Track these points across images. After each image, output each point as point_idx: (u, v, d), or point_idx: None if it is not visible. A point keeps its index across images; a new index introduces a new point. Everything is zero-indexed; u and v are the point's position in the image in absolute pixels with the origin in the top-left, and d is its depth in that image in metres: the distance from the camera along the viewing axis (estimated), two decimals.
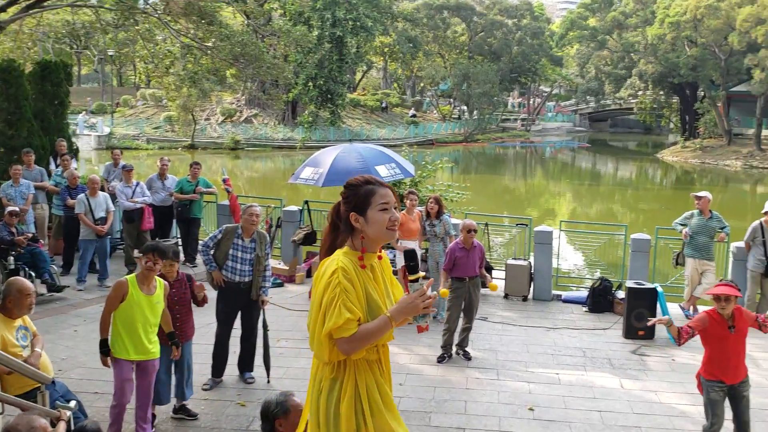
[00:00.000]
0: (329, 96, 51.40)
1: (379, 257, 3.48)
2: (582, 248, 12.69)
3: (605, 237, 12.65)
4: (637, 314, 8.98)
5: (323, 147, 13.53)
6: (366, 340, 3.21)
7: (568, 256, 12.66)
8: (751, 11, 45.79)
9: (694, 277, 10.12)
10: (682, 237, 10.23)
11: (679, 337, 5.48)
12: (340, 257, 3.32)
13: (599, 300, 10.25)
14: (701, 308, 10.46)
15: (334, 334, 3.18)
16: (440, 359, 8.03)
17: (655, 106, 62.41)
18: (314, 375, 3.43)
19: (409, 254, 3.38)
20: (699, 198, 10.18)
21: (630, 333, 9.02)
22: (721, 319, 5.45)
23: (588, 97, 76.21)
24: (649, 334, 9.02)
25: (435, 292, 3.35)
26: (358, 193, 3.38)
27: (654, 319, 5.88)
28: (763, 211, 9.88)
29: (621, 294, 10.14)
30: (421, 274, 3.34)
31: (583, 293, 10.94)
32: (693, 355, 8.48)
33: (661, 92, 60.34)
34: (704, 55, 50.68)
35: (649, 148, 66.76)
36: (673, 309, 10.06)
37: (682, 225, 10.26)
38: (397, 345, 8.43)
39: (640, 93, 62.28)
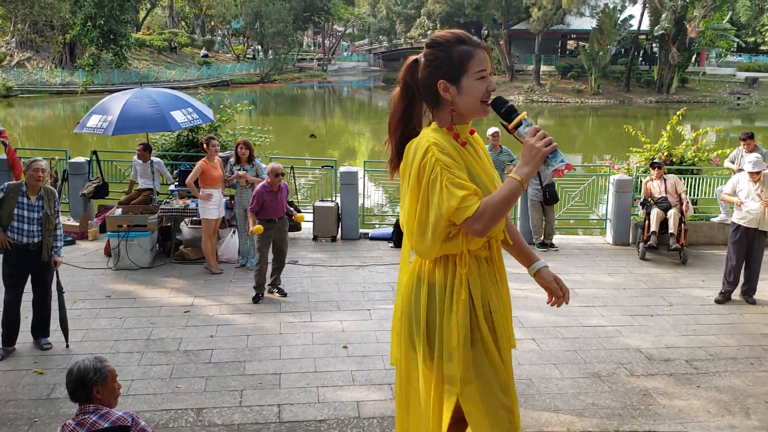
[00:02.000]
0: (112, 36, 48.06)
1: (472, 131, 2.93)
2: (385, 186, 13.02)
3: None
4: None
5: (108, 91, 12.67)
6: (499, 211, 2.62)
7: (372, 195, 12.95)
8: None
9: None
10: None
11: None
12: (428, 133, 2.76)
13: (401, 235, 10.60)
14: None
15: (454, 218, 2.64)
16: (255, 299, 8.04)
17: None
18: (410, 281, 2.92)
19: (495, 103, 2.79)
20: (495, 136, 10.75)
21: None
22: None
23: (381, 36, 77.57)
24: None
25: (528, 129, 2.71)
26: (450, 56, 2.76)
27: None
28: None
29: None
30: (523, 114, 2.75)
31: (388, 229, 11.28)
32: None
33: None
34: None
35: None
36: None
37: None
38: (205, 296, 8.23)
39: (429, 32, 64.35)
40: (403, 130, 2.94)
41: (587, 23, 52.58)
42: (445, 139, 2.77)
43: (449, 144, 2.76)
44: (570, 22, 55.61)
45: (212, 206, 9.18)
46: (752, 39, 70.07)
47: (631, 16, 51.82)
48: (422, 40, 68.22)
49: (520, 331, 7.19)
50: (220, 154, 9.83)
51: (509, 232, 3.14)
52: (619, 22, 51.24)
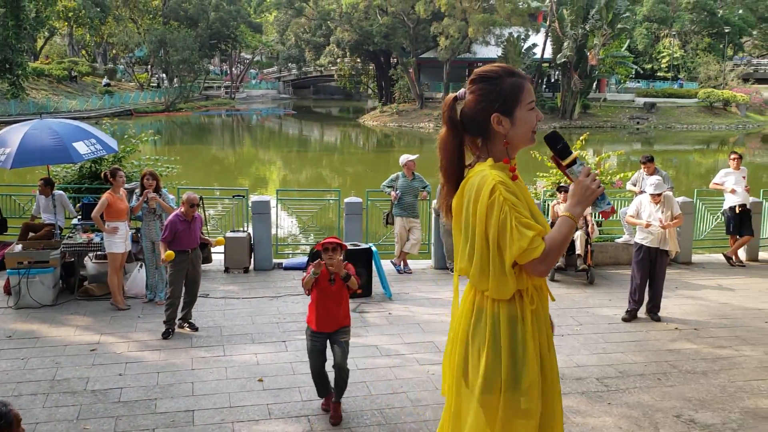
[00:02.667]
0: (7, 66, 46.31)
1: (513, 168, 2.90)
2: (298, 214, 12.99)
3: (320, 203, 13.09)
4: (356, 273, 9.43)
5: (5, 123, 12.18)
6: (558, 251, 2.71)
7: (285, 224, 12.90)
8: None
9: (403, 235, 10.93)
10: (390, 198, 10.97)
11: None
12: (489, 171, 2.74)
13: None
14: (411, 262, 11.34)
15: (521, 259, 2.68)
16: (165, 335, 7.82)
17: (353, 72, 65.56)
18: (467, 314, 2.93)
19: (551, 138, 2.81)
20: (410, 161, 10.92)
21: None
22: (327, 273, 5.75)
23: (290, 64, 77.72)
24: (366, 291, 9.55)
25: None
26: (502, 88, 2.79)
27: None
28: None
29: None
30: (576, 153, 2.80)
31: (303, 259, 11.24)
32: (407, 307, 9.17)
33: (359, 59, 63.50)
34: (395, 23, 54.10)
35: (350, 113, 70.09)
36: (386, 265, 10.75)
37: (389, 187, 10.98)
38: (113, 333, 7.98)
39: (339, 60, 64.92)
40: (460, 169, 2.95)
41: (493, 52, 54.17)
42: (505, 175, 2.81)
43: (509, 181, 2.79)
44: (476, 51, 57.17)
45: (118, 239, 8.95)
46: (649, 66, 73.92)
47: (534, 45, 53.71)
48: (332, 68, 68.79)
49: (437, 356, 7.29)
50: (126, 185, 9.61)
51: None
52: (523, 50, 53.02)
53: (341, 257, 5.82)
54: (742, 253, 12.26)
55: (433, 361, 7.15)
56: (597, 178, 2.73)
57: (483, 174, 2.77)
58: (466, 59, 58.53)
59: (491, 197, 2.70)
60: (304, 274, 5.86)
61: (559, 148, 2.79)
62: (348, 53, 61.41)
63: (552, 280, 10.60)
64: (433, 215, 11.46)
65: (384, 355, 7.38)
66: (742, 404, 6.19)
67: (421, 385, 6.55)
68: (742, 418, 5.90)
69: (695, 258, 12.29)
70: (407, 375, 6.81)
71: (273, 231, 11.60)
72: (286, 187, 24.58)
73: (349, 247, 9.66)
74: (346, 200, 11.39)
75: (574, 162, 2.78)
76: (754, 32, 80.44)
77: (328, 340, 5.85)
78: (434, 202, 11.31)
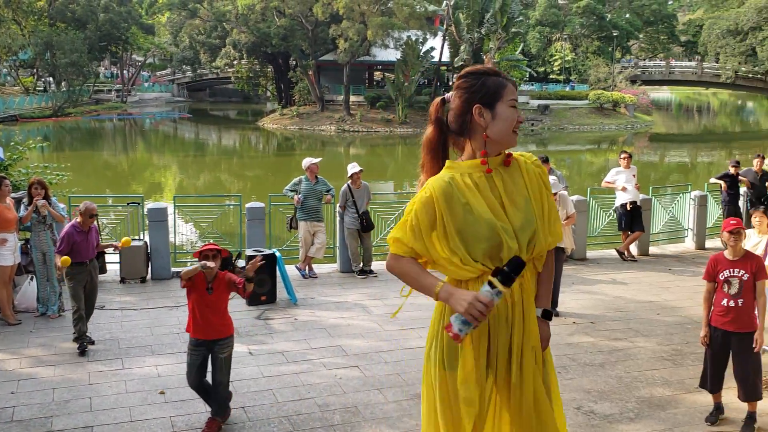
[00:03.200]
0: None
1: (507, 162, 3.00)
2: (197, 221, 12.74)
3: (221, 208, 12.89)
4: (259, 281, 9.34)
5: None
6: (402, 276, 2.99)
7: (183, 231, 12.62)
8: None
9: (307, 239, 10.90)
10: (293, 202, 10.93)
11: None
12: (435, 178, 2.98)
13: None
14: (316, 267, 11.33)
15: (389, 242, 3.04)
16: (81, 350, 7.48)
17: (251, 75, 64.83)
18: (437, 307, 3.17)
19: (518, 265, 2.78)
20: (313, 164, 10.91)
21: (253, 300, 9.36)
22: (204, 281, 5.59)
23: (184, 66, 76.05)
24: (271, 298, 9.48)
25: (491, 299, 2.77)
26: (485, 83, 2.92)
27: None
28: (348, 176, 11.09)
29: (242, 263, 10.44)
30: (502, 288, 2.75)
31: None
32: (313, 312, 9.15)
33: (256, 61, 62.82)
34: (293, 25, 53.86)
35: (249, 116, 69.26)
36: (291, 270, 10.70)
37: (292, 191, 10.93)
38: (3, 350, 7.60)
39: (236, 62, 64.03)
40: (439, 168, 3.08)
41: (392, 55, 54.72)
42: (448, 181, 2.93)
43: (445, 192, 2.91)
44: (376, 54, 57.58)
45: (7, 252, 8.54)
46: (543, 69, 76.51)
47: (432, 48, 54.56)
48: (228, 70, 67.75)
49: (344, 359, 7.32)
50: (13, 195, 9.18)
51: (545, 264, 3.18)
52: (421, 53, 53.75)
53: (231, 265, 5.75)
54: (633, 248, 12.86)
55: (340, 365, 7.17)
56: (481, 312, 2.73)
57: (436, 176, 3.01)
58: (366, 62, 58.90)
59: (418, 197, 3.00)
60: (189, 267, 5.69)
61: (504, 271, 2.77)
62: (245, 55, 60.64)
63: None
64: (338, 218, 11.48)
65: (290, 361, 7.35)
66: (638, 393, 6.50)
67: (328, 389, 6.55)
68: (638, 407, 6.19)
69: (590, 254, 12.81)
70: (315, 380, 6.80)
71: (171, 239, 11.33)
72: (183, 193, 24.04)
73: (252, 254, 9.57)
74: (247, 205, 11.26)
75: (494, 286, 2.76)
76: (641, 36, 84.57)
77: (209, 354, 5.72)
78: (338, 205, 11.34)
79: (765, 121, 75.64)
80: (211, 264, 5.51)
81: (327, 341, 7.98)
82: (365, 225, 11.12)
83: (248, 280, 5.72)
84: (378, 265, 11.86)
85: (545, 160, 11.53)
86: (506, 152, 3.04)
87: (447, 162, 3.05)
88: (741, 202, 14.03)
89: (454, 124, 3.04)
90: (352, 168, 11.19)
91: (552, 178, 9.06)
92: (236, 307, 9.29)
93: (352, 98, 56.02)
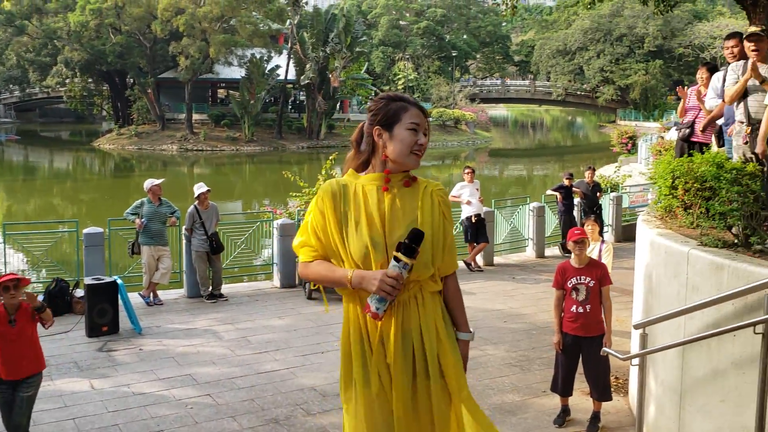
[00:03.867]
0: None
1: (407, 183, 3.12)
2: (29, 250, 11.92)
3: (55, 235, 12.16)
4: (99, 310, 8.88)
5: None
6: (317, 277, 3.08)
7: (13, 261, 11.75)
8: (170, 1, 48.55)
9: (151, 264, 10.47)
10: (135, 226, 10.47)
11: None
12: (329, 180, 3.15)
13: (57, 302, 9.80)
14: (161, 293, 10.91)
15: (296, 251, 3.13)
16: None
17: (85, 93, 61.81)
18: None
19: (416, 233, 2.91)
20: (155, 186, 10.54)
21: (94, 331, 8.86)
22: (5, 313, 5.21)
23: (11, 85, 71.41)
24: (113, 328, 9.01)
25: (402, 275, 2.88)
26: (388, 107, 3.10)
27: None
28: (195, 197, 10.85)
29: (80, 292, 9.88)
30: (411, 261, 2.88)
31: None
32: (160, 341, 8.79)
33: (90, 80, 60.05)
34: (130, 42, 52.08)
35: (83, 137, 66.18)
36: (134, 298, 10.24)
37: (134, 214, 10.47)
38: None
39: (68, 81, 60.84)
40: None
41: (236, 72, 54.05)
42: (340, 186, 3.09)
43: (334, 195, 3.06)
44: (219, 71, 56.68)
45: None
46: (387, 87, 78.04)
47: (278, 66, 54.42)
48: (60, 89, 64.28)
49: (195, 388, 7.07)
50: None
51: (449, 289, 3.24)
52: (267, 71, 53.49)
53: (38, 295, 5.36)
54: (479, 259, 13.36)
55: (191, 395, 6.91)
56: (393, 287, 2.85)
57: (325, 183, 3.17)
58: (209, 79, 57.82)
59: (312, 202, 3.12)
60: None
61: (405, 243, 2.89)
62: (78, 73, 57.71)
63: (309, 298, 10.76)
64: (184, 241, 11.13)
65: (137, 393, 7.00)
66: (490, 401, 6.71)
67: (179, 420, 6.30)
68: (491, 414, 6.39)
69: None
70: (164, 412, 6.51)
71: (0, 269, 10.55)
72: (12, 220, 22.47)
73: (91, 282, 9.07)
74: (84, 231, 10.68)
75: (399, 260, 2.87)
76: (478, 56, 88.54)
77: (14, 393, 5.27)
78: (184, 227, 11.00)
79: (593, 135, 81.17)
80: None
81: (176, 371, 7.67)
82: (215, 247, 10.85)
83: (37, 309, 5.28)
84: (228, 288, 11.60)
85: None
86: (409, 174, 3.17)
87: (350, 171, 3.20)
88: (575, 212, 14.92)
89: (363, 144, 3.21)
90: (199, 188, 10.90)
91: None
92: (75, 339, 8.78)
93: (195, 116, 54.79)
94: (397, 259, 2.88)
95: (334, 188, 3.09)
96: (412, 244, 2.89)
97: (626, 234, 15.88)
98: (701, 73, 8.23)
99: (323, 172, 13.02)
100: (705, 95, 7.80)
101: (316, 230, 3.08)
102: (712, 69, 8.09)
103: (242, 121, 52.76)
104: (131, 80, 56.94)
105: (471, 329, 3.28)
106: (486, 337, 8.77)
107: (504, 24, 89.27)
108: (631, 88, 69.86)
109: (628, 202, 18.42)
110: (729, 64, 6.83)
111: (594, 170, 15.07)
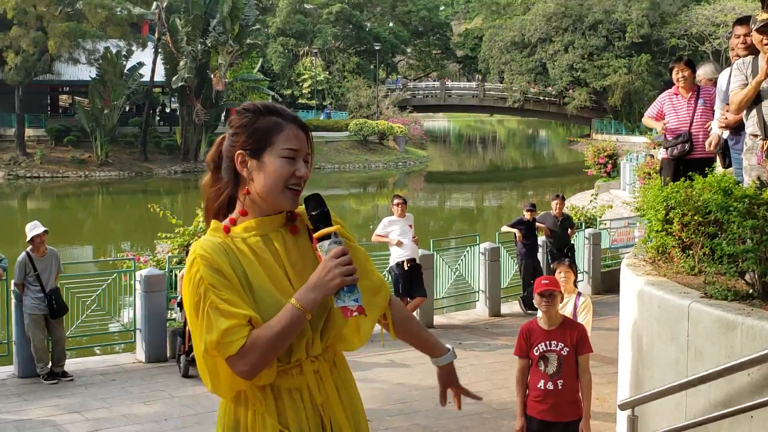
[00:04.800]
0: None
1: (293, 230, 3.02)
2: None
3: None
4: None
5: None
6: (270, 349, 2.78)
7: None
8: None
9: None
10: None
11: None
12: (201, 239, 2.94)
13: None
14: None
15: (218, 353, 2.78)
16: None
17: None
18: (220, 418, 3.05)
19: (313, 200, 2.93)
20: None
21: None
22: None
23: None
24: None
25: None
26: (255, 124, 2.95)
27: None
28: (27, 240, 10.67)
29: None
30: (336, 227, 2.86)
31: None
32: None
33: None
34: None
35: None
36: None
37: None
38: None
39: None
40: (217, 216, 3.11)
41: (85, 72, 53.33)
42: (220, 242, 2.93)
43: (222, 247, 2.90)
44: (62, 71, 55.80)
45: None
46: (289, 91, 78.44)
47: (141, 64, 53.95)
48: None
49: None
50: None
51: (398, 320, 3.28)
52: (126, 71, 52.97)
53: None
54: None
55: None
56: (352, 263, 2.81)
57: (195, 244, 2.97)
58: (48, 82, 56.87)
59: (189, 274, 2.87)
60: None
61: (314, 214, 2.93)
62: None
63: (185, 375, 10.55)
64: (14, 300, 10.79)
65: None
66: None
67: None
68: None
69: None
70: None
71: None
72: None
73: None
74: None
75: (328, 236, 2.87)
76: (408, 50, 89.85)
77: None
78: (13, 282, 10.69)
79: (561, 153, 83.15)
80: None
81: None
82: (55, 308, 10.60)
83: None
84: (74, 364, 11.27)
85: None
86: (291, 215, 3.09)
87: (213, 223, 3.07)
88: (540, 255, 15.09)
89: (223, 171, 3.09)
90: (33, 228, 10.67)
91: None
92: None
93: (29, 132, 53.71)
94: (322, 239, 2.88)
95: (219, 248, 2.93)
96: (320, 210, 2.93)
97: (607, 283, 16.19)
98: (679, 71, 8.47)
99: (203, 204, 12.86)
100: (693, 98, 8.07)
101: (229, 296, 2.85)
102: (690, 64, 8.38)
103: (93, 138, 52.00)
104: None
105: (448, 345, 3.41)
106: (424, 425, 8.74)
107: (442, 8, 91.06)
108: (610, 92, 70.53)
109: (609, 241, 18.72)
110: (736, 59, 6.96)
111: (563, 199, 15.32)
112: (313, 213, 2.93)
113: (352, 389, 3.17)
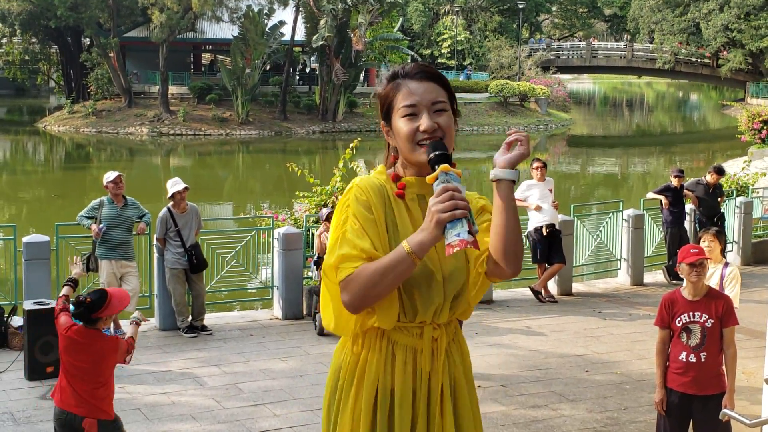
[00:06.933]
0: None
1: (399, 193, 3.15)
2: None
3: None
4: (43, 345, 8.98)
5: None
6: (371, 283, 2.87)
7: None
8: None
9: (113, 284, 10.57)
10: (92, 234, 10.58)
11: None
12: (366, 176, 3.15)
13: None
14: (124, 323, 11.01)
15: (329, 277, 3.02)
16: None
17: (27, 58, 62.51)
18: (333, 357, 3.33)
19: (433, 146, 3.00)
20: (113, 181, 10.65)
21: (36, 373, 8.95)
22: None
23: None
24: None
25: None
26: (384, 91, 3.14)
27: None
28: (168, 196, 10.98)
29: (18, 321, 10.02)
30: (444, 166, 2.87)
31: None
32: (123, 386, 8.88)
33: (34, 40, 60.65)
34: None
35: (24, 115, 66.95)
36: None
37: (89, 218, 10.59)
38: None
39: (5, 41, 61.67)
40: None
41: (227, 30, 54.27)
42: (380, 184, 3.10)
43: (380, 189, 3.08)
44: (204, 30, 56.91)
45: None
46: (428, 51, 78.17)
47: (282, 23, 54.34)
48: None
49: None
50: None
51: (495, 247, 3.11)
52: (267, 30, 53.52)
53: None
54: (552, 286, 13.26)
55: None
56: (455, 198, 2.79)
57: (357, 177, 3.20)
58: (191, 40, 58.14)
59: (342, 198, 3.10)
60: None
61: (431, 157, 2.97)
62: (18, 31, 58.55)
63: (321, 334, 10.77)
64: (156, 255, 11.23)
65: None
66: None
67: None
68: None
69: (496, 295, 13.10)
70: None
71: None
72: None
73: (32, 308, 9.17)
74: (24, 239, 10.84)
75: (441, 173, 2.88)
76: (554, 8, 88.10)
77: None
78: (155, 237, 11.10)
79: (713, 118, 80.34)
80: None
81: (143, 427, 7.75)
82: (195, 263, 10.93)
83: None
84: (213, 319, 11.67)
85: None
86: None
87: (380, 167, 3.26)
88: (687, 223, 14.73)
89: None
90: (174, 185, 10.99)
91: None
92: (11, 383, 8.89)
93: (173, 89, 55.15)
94: (438, 176, 2.87)
95: (376, 184, 3.10)
96: (440, 152, 2.96)
97: (758, 255, 15.74)
98: None
99: (341, 164, 13.09)
100: None
101: (364, 228, 2.99)
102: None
103: (234, 97, 52.85)
104: (88, 41, 57.57)
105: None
106: (560, 392, 8.73)
107: None
108: (767, 54, 68.22)
109: (762, 210, 18.13)
110: None
111: (720, 173, 14.81)
112: (431, 155, 2.97)
113: (466, 374, 3.40)
